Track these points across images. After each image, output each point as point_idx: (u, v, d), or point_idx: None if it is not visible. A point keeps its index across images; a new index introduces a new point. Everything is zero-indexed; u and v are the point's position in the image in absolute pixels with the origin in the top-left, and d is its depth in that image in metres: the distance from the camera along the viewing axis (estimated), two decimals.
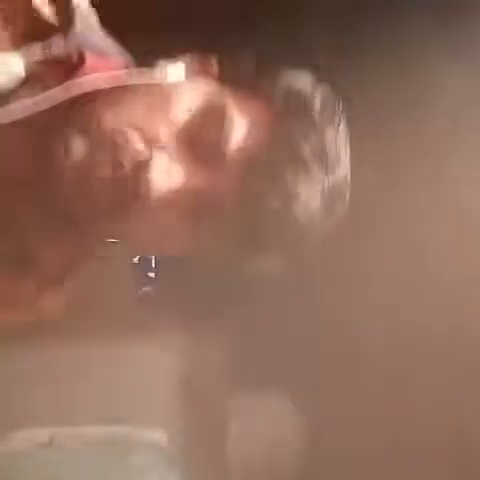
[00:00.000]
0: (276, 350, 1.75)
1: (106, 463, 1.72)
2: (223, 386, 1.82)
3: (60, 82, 0.73)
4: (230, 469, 1.84)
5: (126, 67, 0.77)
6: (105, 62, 0.76)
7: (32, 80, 0.74)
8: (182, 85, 0.73)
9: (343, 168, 0.74)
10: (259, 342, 1.77)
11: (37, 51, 0.73)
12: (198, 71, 0.76)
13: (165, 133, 0.69)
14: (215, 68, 0.77)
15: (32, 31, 0.74)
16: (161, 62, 0.75)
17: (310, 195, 0.71)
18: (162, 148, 0.69)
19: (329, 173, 0.72)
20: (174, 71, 0.74)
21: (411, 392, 1.76)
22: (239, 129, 0.71)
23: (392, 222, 1.71)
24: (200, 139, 0.70)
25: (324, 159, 0.71)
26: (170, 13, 1.62)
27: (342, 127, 0.75)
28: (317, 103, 0.73)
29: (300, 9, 1.65)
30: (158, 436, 1.77)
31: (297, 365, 1.74)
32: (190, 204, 0.70)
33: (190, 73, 0.75)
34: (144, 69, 0.75)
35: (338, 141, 0.73)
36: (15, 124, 0.71)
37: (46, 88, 0.73)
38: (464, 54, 1.69)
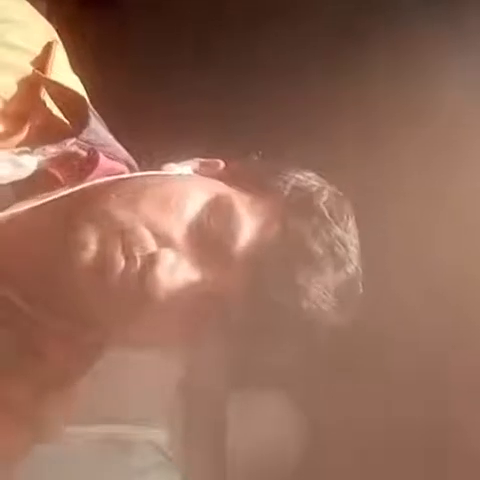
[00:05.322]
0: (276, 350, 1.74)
1: (106, 463, 1.72)
2: (223, 386, 1.82)
3: (72, 181, 0.73)
4: (230, 469, 1.84)
5: (133, 171, 0.77)
6: (114, 165, 0.76)
7: (46, 177, 0.73)
8: (191, 184, 0.73)
9: (354, 265, 0.72)
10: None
11: (51, 149, 0.73)
12: (205, 173, 0.76)
13: (174, 230, 0.68)
14: (222, 170, 0.76)
15: (46, 130, 0.74)
16: (169, 165, 0.75)
17: (321, 292, 0.70)
18: (170, 246, 0.68)
19: (340, 270, 0.71)
20: (182, 173, 0.75)
21: (411, 393, 1.76)
22: (247, 227, 0.70)
23: (396, 228, 1.71)
24: (207, 237, 0.69)
25: (334, 256, 0.70)
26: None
27: (351, 224, 0.74)
28: (325, 201, 0.72)
29: None
30: (158, 436, 1.77)
31: (297, 365, 1.74)
32: (196, 303, 0.68)
33: (197, 175, 0.76)
34: (152, 172, 0.75)
35: (347, 238, 0.72)
36: (30, 219, 0.71)
37: (58, 186, 0.73)
38: (466, 53, 1.69)
